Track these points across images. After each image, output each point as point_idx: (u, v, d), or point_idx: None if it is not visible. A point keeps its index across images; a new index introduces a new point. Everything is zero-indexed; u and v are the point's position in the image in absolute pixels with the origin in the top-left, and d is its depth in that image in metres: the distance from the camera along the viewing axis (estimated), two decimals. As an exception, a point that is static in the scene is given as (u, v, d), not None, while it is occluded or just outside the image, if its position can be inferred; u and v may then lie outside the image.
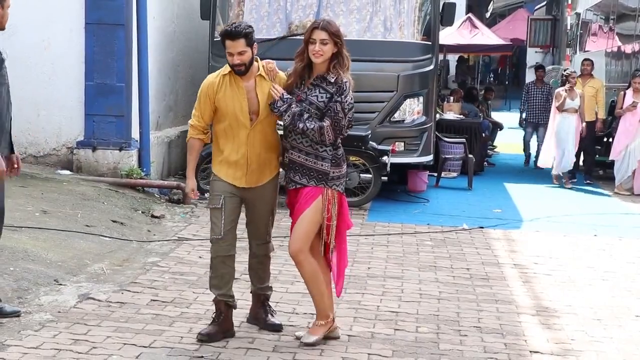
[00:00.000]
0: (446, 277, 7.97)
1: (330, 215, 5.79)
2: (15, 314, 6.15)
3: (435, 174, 13.50)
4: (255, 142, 5.77)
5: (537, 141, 16.21)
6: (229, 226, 5.86)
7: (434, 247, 9.20)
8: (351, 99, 5.76)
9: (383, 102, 11.61)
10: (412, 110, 11.85)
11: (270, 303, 6.32)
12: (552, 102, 15.75)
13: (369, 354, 5.81)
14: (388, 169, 11.02)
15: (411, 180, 12.56)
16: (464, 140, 14.03)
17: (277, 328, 6.10)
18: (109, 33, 11.14)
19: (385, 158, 10.97)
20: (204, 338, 5.80)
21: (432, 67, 12.03)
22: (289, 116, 5.64)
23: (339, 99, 5.68)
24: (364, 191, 11.14)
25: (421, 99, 11.86)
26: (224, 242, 5.88)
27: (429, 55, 12.01)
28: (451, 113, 16.19)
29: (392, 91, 11.62)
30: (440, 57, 16.11)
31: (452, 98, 17.60)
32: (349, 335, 6.16)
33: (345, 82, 5.71)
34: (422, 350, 5.93)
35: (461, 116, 16.16)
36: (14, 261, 7.23)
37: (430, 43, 12.09)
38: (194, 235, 9.16)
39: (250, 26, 5.75)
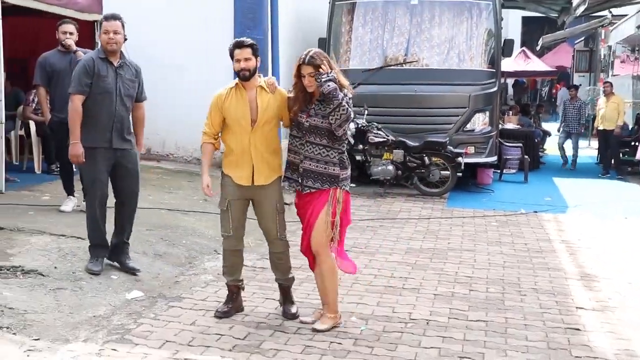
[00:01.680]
0: (509, 250, 7.85)
1: (335, 212, 5.11)
2: (135, 271, 6.13)
3: (499, 171, 13.30)
4: (257, 144, 5.20)
5: (572, 146, 15.76)
6: (236, 225, 5.29)
7: (499, 227, 9.07)
8: (348, 100, 4.99)
9: (458, 115, 11.52)
10: (480, 122, 11.73)
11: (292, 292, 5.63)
12: (583, 114, 15.59)
13: (450, 308, 5.78)
14: (462, 167, 10.94)
15: (480, 176, 12.42)
16: (520, 144, 13.82)
17: (292, 317, 5.43)
18: None
19: (460, 158, 10.89)
20: (221, 315, 5.36)
21: (495, 88, 11.89)
22: (328, 86, 4.90)
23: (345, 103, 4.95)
24: (443, 184, 11.04)
25: (487, 113, 11.74)
26: (232, 238, 5.33)
27: (494, 80, 11.89)
28: (510, 124, 15.98)
29: (465, 107, 11.53)
30: (502, 80, 15.89)
31: (511, 112, 17.34)
32: (434, 294, 6.13)
33: (344, 95, 4.98)
34: (492, 306, 5.88)
35: (518, 126, 15.96)
36: (186, 236, 7.46)
37: (494, 70, 11.95)
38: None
39: (255, 41, 5.27)
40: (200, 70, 11.31)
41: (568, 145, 15.79)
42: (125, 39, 6.02)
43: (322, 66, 4.98)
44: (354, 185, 11.25)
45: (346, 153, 5.21)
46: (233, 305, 5.45)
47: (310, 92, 5.07)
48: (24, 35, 9.91)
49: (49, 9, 8.79)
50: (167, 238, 7.30)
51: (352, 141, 11.07)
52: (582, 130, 16.62)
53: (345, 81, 5.10)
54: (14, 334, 4.67)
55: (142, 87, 6.19)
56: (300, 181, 5.15)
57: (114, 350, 4.61)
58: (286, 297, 5.56)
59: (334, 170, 5.09)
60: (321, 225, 5.10)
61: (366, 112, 11.23)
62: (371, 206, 10.22)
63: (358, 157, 11.25)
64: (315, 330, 5.14)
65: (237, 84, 5.25)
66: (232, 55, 5.19)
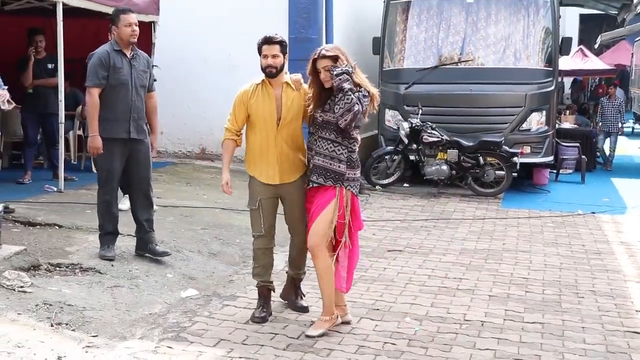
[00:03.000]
0: (565, 251, 7.72)
1: (343, 213, 4.97)
2: (166, 254, 6.28)
3: (555, 171, 13.10)
4: (283, 142, 5.11)
5: (610, 146, 15.36)
6: (268, 224, 5.21)
7: (555, 228, 8.93)
8: (361, 97, 4.86)
9: (514, 115, 11.38)
10: (537, 121, 11.56)
11: (301, 286, 5.62)
12: (622, 113, 15.20)
13: (505, 310, 5.70)
14: (517, 167, 10.81)
15: (536, 176, 12.24)
16: (578, 144, 13.60)
17: (304, 310, 5.42)
18: (304, 67, 11.23)
19: (515, 158, 10.76)
20: (259, 320, 5.22)
21: (552, 87, 11.71)
22: (339, 79, 4.78)
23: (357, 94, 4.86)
24: (498, 184, 10.92)
25: (544, 112, 11.56)
26: (264, 237, 5.24)
27: (551, 79, 11.70)
28: (567, 123, 15.71)
29: (521, 107, 11.39)
30: (559, 79, 15.64)
31: (567, 111, 17.05)
32: (489, 296, 6.06)
33: (361, 90, 4.87)
34: (548, 308, 5.78)
35: (575, 126, 15.68)
36: (240, 235, 7.49)
37: (551, 68, 11.76)
38: (368, 217, 9.10)
39: (284, 39, 5.14)
40: (254, 69, 11.17)
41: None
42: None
43: (340, 58, 4.86)
44: (407, 185, 11.45)
45: (357, 154, 5.06)
46: (267, 309, 5.33)
47: (328, 89, 4.93)
48: (83, 35, 10.10)
49: (109, 11, 8.89)
50: (222, 237, 7.36)
51: (406, 141, 11.07)
52: (622, 130, 16.11)
53: (362, 78, 4.96)
54: (73, 330, 4.76)
55: (153, 77, 6.35)
56: (309, 176, 5.08)
57: (170, 347, 4.65)
58: (297, 291, 5.56)
59: (339, 167, 4.97)
60: (322, 223, 4.97)
61: (420, 111, 11.18)
62: (425, 206, 10.16)
63: (412, 157, 11.25)
64: (307, 337, 4.96)
65: (263, 80, 5.15)
66: (260, 51, 5.10)
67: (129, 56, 6.11)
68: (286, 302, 5.59)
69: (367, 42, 12.48)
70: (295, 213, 5.25)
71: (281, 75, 5.12)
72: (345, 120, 4.84)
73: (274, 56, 5.05)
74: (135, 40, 6.10)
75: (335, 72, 4.82)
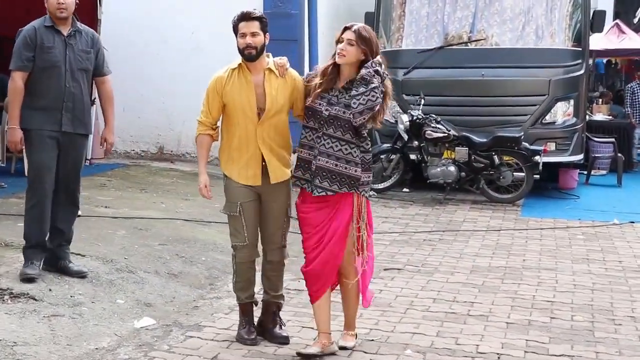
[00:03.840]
0: (599, 269, 7.74)
1: (360, 224, 5.19)
2: (81, 274, 6.24)
3: (585, 172, 13.16)
4: (265, 138, 5.22)
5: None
6: (252, 231, 5.33)
7: (586, 241, 8.96)
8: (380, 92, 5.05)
9: (535, 105, 11.47)
10: (563, 112, 11.66)
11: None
12: None
13: (527, 340, 5.69)
14: (540, 167, 10.85)
15: (562, 178, 12.31)
16: (613, 139, 13.68)
17: (284, 341, 5.45)
18: (284, 47, 11.24)
19: (537, 157, 10.81)
20: (252, 342, 5.37)
21: (582, 71, 11.81)
22: (369, 72, 4.99)
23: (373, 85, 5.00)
24: (517, 188, 10.99)
25: (571, 101, 11.67)
26: (247, 248, 5.35)
27: (580, 61, 11.80)
28: (600, 114, 15.79)
29: (544, 95, 11.47)
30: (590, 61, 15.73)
31: (601, 100, 17.12)
32: (507, 323, 6.06)
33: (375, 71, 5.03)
34: (578, 338, 5.77)
35: (610, 117, 15.76)
36: (205, 252, 7.50)
37: (580, 49, 11.89)
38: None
39: (264, 15, 5.27)
40: (223, 52, 11.11)
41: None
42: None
43: (372, 49, 5.04)
44: (407, 190, 11.49)
45: (371, 153, 5.24)
46: (254, 326, 5.48)
47: (335, 71, 5.11)
48: (13, 8, 10.02)
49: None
50: (184, 254, 7.35)
51: (405, 137, 11.11)
52: None
53: (388, 80, 5.14)
54: (1, 369, 4.74)
55: (104, 58, 6.28)
56: (312, 181, 5.16)
57: (120, 389, 4.64)
58: (275, 319, 5.57)
59: (355, 171, 5.10)
60: (350, 240, 5.18)
61: (422, 101, 11.23)
62: (429, 215, 10.18)
63: (413, 156, 11.30)
64: (342, 348, 5.32)
65: (240, 64, 5.24)
66: (235, 30, 5.19)
67: (65, 33, 6.09)
68: (258, 334, 5.54)
69: (359, 17, 12.30)
70: (276, 220, 5.36)
71: (262, 59, 5.21)
72: (364, 118, 5.02)
73: (253, 34, 5.14)
74: (65, 15, 6.05)
75: (370, 64, 5.00)
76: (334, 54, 5.13)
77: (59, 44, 6.06)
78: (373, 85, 4.97)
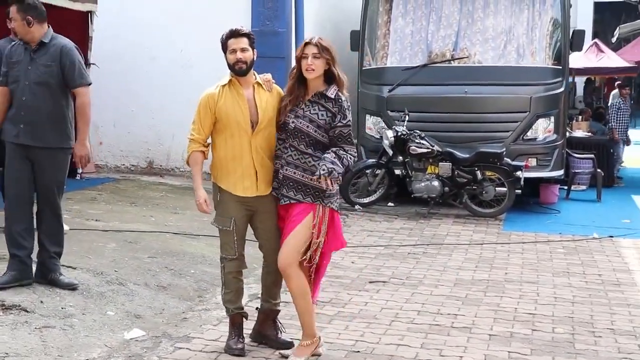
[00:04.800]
0: (579, 282, 7.76)
1: (320, 233, 5.24)
2: (72, 287, 6.25)
3: (566, 187, 13.21)
4: (259, 149, 5.30)
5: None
6: (241, 245, 5.45)
7: (566, 255, 8.98)
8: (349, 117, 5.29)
9: (517, 122, 11.50)
10: (544, 129, 11.69)
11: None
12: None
13: (509, 351, 5.70)
14: (522, 182, 10.89)
15: (543, 193, 12.33)
16: (592, 155, 13.74)
17: (289, 346, 5.52)
18: (271, 64, 11.25)
19: (519, 173, 10.84)
20: (240, 353, 5.42)
21: (562, 89, 11.84)
22: (336, 172, 5.17)
23: (343, 117, 5.22)
24: (499, 203, 11.00)
25: (552, 118, 11.69)
26: (237, 260, 5.46)
27: (560, 79, 11.83)
28: (580, 131, 15.90)
29: (525, 112, 11.51)
30: (570, 79, 15.78)
31: (580, 117, 17.24)
32: (489, 335, 6.07)
33: (345, 100, 5.26)
34: (559, 350, 5.79)
35: (589, 134, 15.86)
36: (194, 265, 7.49)
37: (560, 67, 11.91)
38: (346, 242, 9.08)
39: (252, 32, 5.39)
40: (211, 68, 11.15)
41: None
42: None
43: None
44: (392, 204, 11.52)
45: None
46: (242, 338, 5.53)
47: (304, 85, 5.23)
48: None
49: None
50: (173, 267, 7.35)
51: (390, 152, 11.12)
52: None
53: (345, 94, 5.28)
54: (-7, 380, 4.72)
55: (75, 70, 6.16)
56: (279, 189, 5.30)
57: (111, 399, 4.62)
58: (276, 325, 5.66)
59: (321, 182, 5.16)
60: (295, 240, 5.21)
61: (407, 117, 11.26)
62: (413, 229, 10.20)
63: (397, 171, 11.31)
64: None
65: (230, 80, 5.33)
66: (225, 47, 5.28)
67: (32, 47, 6.13)
68: (260, 343, 5.64)
69: (345, 36, 12.53)
70: (272, 228, 5.42)
71: (251, 74, 5.34)
72: (347, 164, 5.27)
73: (242, 50, 5.24)
74: (21, 37, 6.13)
75: (325, 166, 5.13)
76: (293, 70, 5.27)
77: (25, 58, 6.12)
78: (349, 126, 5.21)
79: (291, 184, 5.23)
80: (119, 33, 12.00)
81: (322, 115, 5.22)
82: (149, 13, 12.36)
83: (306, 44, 5.24)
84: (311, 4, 12.17)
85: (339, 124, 5.22)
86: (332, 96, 5.22)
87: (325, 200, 5.21)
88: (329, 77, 5.26)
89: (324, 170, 5.12)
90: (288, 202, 5.24)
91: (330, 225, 5.30)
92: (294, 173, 5.23)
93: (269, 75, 5.42)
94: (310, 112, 5.21)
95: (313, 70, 5.18)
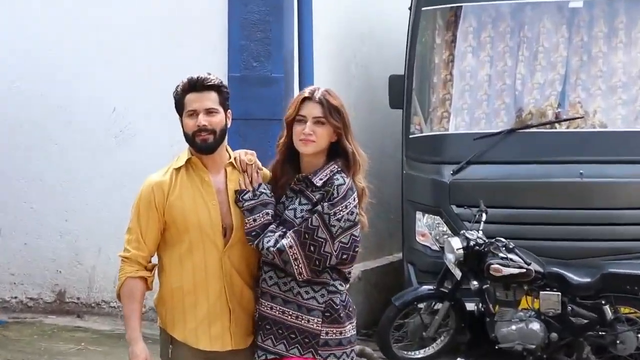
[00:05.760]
0: None
1: None
2: None
3: None
4: (234, 272, 5.29)
5: None
6: None
7: None
8: (350, 212, 5.17)
9: (670, 223, 10.95)
10: None
11: None
12: None
13: None
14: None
15: None
16: None
17: None
18: (261, 130, 10.90)
19: (677, 309, 10.22)
20: None
21: None
22: (253, 221, 5.20)
23: (321, 207, 5.12)
24: (645, 359, 10.34)
25: None
26: None
27: None
28: None
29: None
30: None
31: None
32: None
33: (340, 184, 5.15)
34: None
35: None
36: None
37: None
38: None
39: (223, 82, 5.42)
40: (160, 140, 11.10)
41: None
42: None
43: (243, 180, 5.31)
44: (464, 360, 11.20)
45: (346, 294, 5.31)
46: None
47: (297, 162, 5.30)
48: None
49: None
50: None
51: (457, 274, 10.47)
52: None
53: (357, 179, 5.29)
54: None
55: None
56: (255, 337, 5.34)
57: None
58: None
59: (309, 322, 5.14)
60: None
61: (484, 216, 10.55)
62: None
63: (470, 306, 10.61)
64: None
65: (189, 160, 5.32)
66: (180, 107, 5.27)
67: None
68: None
69: (379, 83, 12.30)
70: None
71: (222, 150, 5.35)
72: (297, 271, 5.09)
73: (208, 112, 5.22)
74: None
75: (243, 203, 5.22)
76: (280, 140, 5.32)
77: None
78: (336, 216, 5.10)
79: (269, 327, 5.23)
80: (11, 79, 11.66)
81: (302, 210, 5.17)
82: (61, 49, 11.83)
83: (304, 99, 5.25)
84: (322, 32, 11.72)
85: (320, 211, 5.12)
86: (320, 184, 5.16)
87: (322, 352, 5.17)
88: (335, 153, 5.27)
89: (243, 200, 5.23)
90: (264, 357, 5.24)
91: None
92: (271, 308, 5.22)
93: (252, 153, 5.44)
94: (287, 209, 5.20)
95: (313, 142, 5.18)
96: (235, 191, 5.26)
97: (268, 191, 5.26)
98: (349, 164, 5.24)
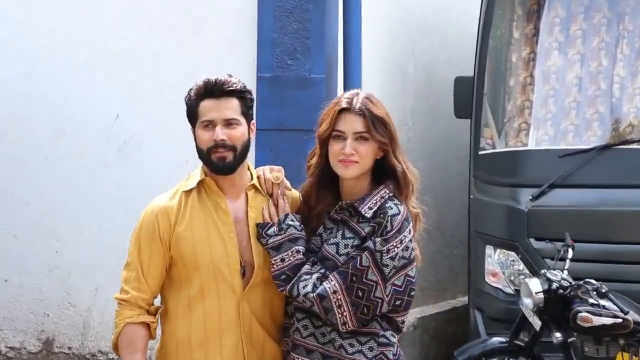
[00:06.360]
0: None
1: None
2: None
3: None
4: (254, 321, 5.38)
5: None
6: None
7: None
8: (405, 247, 5.23)
9: None
10: None
11: None
12: None
13: None
14: None
15: None
16: None
17: None
18: (295, 142, 10.76)
19: None
20: None
21: None
22: (281, 261, 5.27)
23: (372, 242, 5.16)
24: None
25: None
26: None
27: None
28: None
29: None
30: None
31: None
32: None
33: (395, 215, 5.20)
34: None
35: None
36: None
37: None
38: None
39: (246, 86, 5.47)
40: (168, 156, 11.29)
41: None
42: None
43: (266, 210, 5.41)
44: None
45: (397, 347, 5.38)
46: None
47: (334, 187, 5.38)
48: None
49: None
50: None
51: (537, 323, 10.40)
52: None
53: (409, 203, 5.38)
54: None
55: None
56: None
57: None
58: None
59: None
60: None
61: (571, 252, 10.54)
62: None
63: None
64: None
65: (202, 182, 5.39)
66: (193, 115, 5.36)
67: None
68: None
69: (443, 86, 12.49)
70: None
71: (243, 169, 5.45)
72: (341, 321, 5.14)
73: (228, 123, 5.29)
74: None
75: (267, 239, 5.32)
76: (312, 159, 5.42)
77: None
78: (389, 254, 5.16)
79: None
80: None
81: (347, 245, 5.21)
82: (52, 40, 11.95)
83: (341, 110, 5.26)
84: (378, 25, 12.00)
85: (371, 248, 5.15)
86: (370, 214, 5.20)
87: None
88: (381, 172, 5.33)
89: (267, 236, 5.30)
90: None
91: None
92: None
93: (279, 171, 5.55)
94: (328, 243, 5.25)
95: (356, 163, 5.23)
96: (257, 225, 5.28)
97: (297, 222, 5.29)
98: (399, 185, 5.26)
